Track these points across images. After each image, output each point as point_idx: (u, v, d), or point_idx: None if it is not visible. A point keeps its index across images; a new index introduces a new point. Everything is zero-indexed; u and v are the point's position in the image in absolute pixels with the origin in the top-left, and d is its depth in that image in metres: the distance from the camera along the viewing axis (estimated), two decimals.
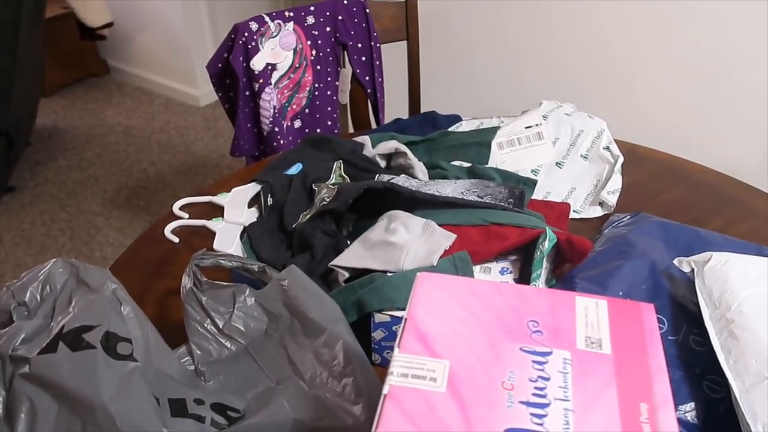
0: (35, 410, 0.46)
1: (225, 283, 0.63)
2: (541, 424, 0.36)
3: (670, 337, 0.63)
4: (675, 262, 0.66)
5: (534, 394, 0.38)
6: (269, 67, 1.25)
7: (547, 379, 0.39)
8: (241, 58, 1.22)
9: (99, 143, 2.56)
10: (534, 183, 0.89)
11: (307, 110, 1.36)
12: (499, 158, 0.95)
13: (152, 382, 0.51)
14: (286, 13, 1.27)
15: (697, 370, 0.60)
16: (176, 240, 0.86)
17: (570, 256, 0.71)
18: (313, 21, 1.30)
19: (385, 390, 0.38)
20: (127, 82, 3.01)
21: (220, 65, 1.25)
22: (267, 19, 1.24)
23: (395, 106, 1.72)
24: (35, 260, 2.00)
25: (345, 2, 1.32)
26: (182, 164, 2.42)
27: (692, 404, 0.58)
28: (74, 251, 2.02)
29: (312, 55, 1.32)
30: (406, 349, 0.41)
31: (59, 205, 2.23)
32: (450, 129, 1.02)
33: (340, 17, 1.33)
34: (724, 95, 1.56)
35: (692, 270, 0.64)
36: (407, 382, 0.39)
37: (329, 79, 1.36)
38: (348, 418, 0.52)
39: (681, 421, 0.57)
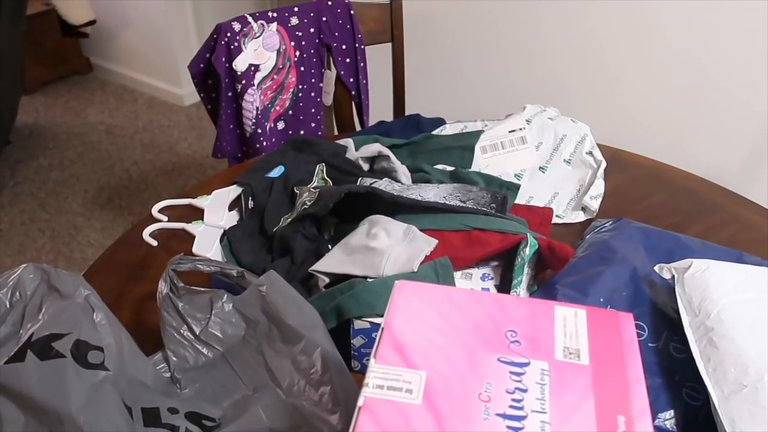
0: (1, 420, 0.45)
1: (202, 289, 0.62)
2: None
3: (650, 344, 0.63)
4: (656, 268, 0.66)
5: (511, 406, 0.37)
6: (252, 68, 1.24)
7: (525, 391, 0.38)
8: (223, 59, 1.21)
9: (81, 142, 2.53)
10: (517, 187, 0.89)
11: (290, 112, 1.35)
12: (483, 162, 0.94)
13: (125, 391, 0.50)
14: (270, 14, 1.26)
15: (677, 377, 0.60)
16: (155, 243, 0.85)
17: (551, 262, 0.71)
18: (297, 22, 1.29)
19: (360, 402, 0.37)
20: (110, 80, 2.98)
21: (202, 65, 1.23)
22: (250, 19, 1.23)
23: (379, 109, 1.72)
24: (14, 261, 1.96)
25: (329, 3, 1.31)
26: (165, 164, 2.39)
27: (671, 412, 0.58)
28: (54, 252, 1.99)
29: (296, 56, 1.31)
30: (382, 359, 0.40)
31: (39, 204, 2.20)
32: (434, 132, 1.02)
33: (324, 18, 1.32)
34: (708, 101, 1.57)
35: (672, 277, 0.64)
36: (383, 394, 0.38)
37: (313, 80, 1.35)
38: (325, 428, 0.51)
39: (660, 429, 0.57)
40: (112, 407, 0.46)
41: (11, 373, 0.46)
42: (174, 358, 0.60)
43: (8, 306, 0.52)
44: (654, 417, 0.57)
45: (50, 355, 0.47)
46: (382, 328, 0.42)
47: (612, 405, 0.38)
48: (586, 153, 0.94)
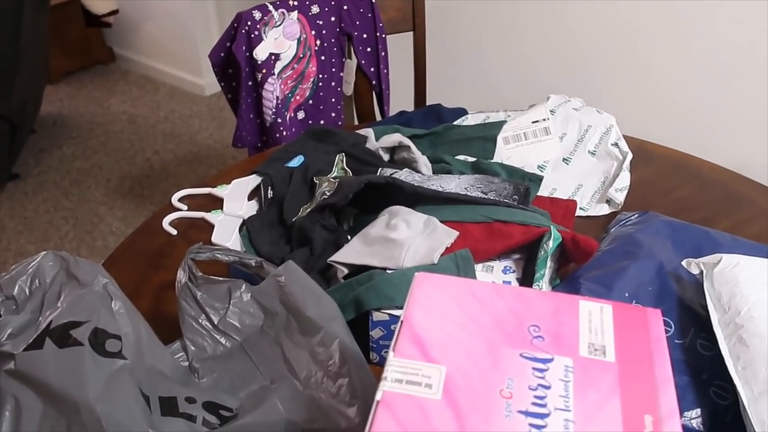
0: (20, 408, 0.45)
1: (220, 278, 0.62)
2: None
3: (676, 341, 0.61)
4: (683, 263, 0.65)
5: (533, 404, 0.36)
6: (272, 57, 1.23)
7: (548, 388, 0.37)
8: (243, 48, 1.20)
9: (103, 131, 2.55)
10: (540, 179, 0.87)
11: (310, 101, 1.34)
12: (505, 153, 0.93)
13: (142, 380, 0.50)
14: (291, 2, 1.25)
15: (704, 375, 0.58)
16: (174, 232, 0.85)
17: (575, 255, 0.69)
18: (318, 11, 1.28)
19: (378, 396, 0.37)
20: (132, 70, 3.00)
21: (222, 54, 1.23)
22: (271, 8, 1.22)
23: (400, 99, 1.70)
24: (38, 248, 1.99)
25: None
26: (186, 154, 2.40)
27: (698, 411, 0.56)
28: (77, 240, 2.02)
29: (316, 45, 1.30)
30: (401, 353, 0.39)
31: (63, 193, 2.23)
32: (455, 123, 1.00)
33: (345, 7, 1.30)
34: (737, 92, 1.53)
35: (701, 272, 0.63)
36: (401, 388, 0.37)
37: (333, 70, 1.34)
38: (342, 421, 0.50)
39: (686, 428, 0.55)
40: (130, 396, 0.46)
41: (30, 361, 0.46)
42: (192, 348, 0.60)
43: (27, 293, 0.52)
44: (680, 416, 0.56)
45: (68, 343, 0.47)
46: (402, 321, 0.41)
47: (639, 404, 0.36)
48: (612, 144, 0.92)
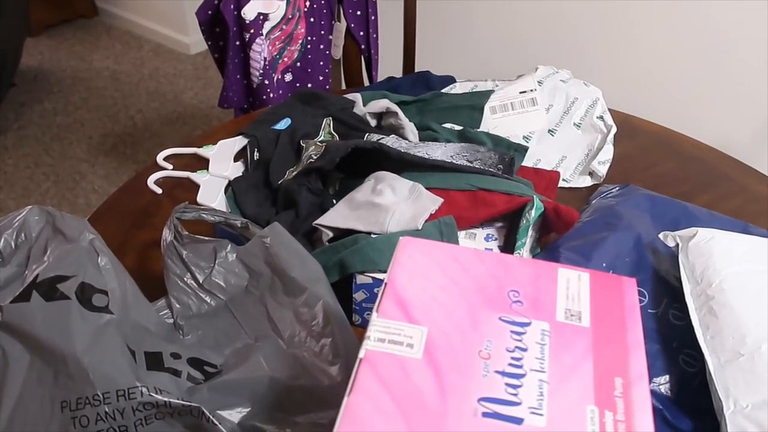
0: (7, 359, 0.46)
1: (206, 238, 0.62)
2: (515, 395, 0.36)
3: (650, 311, 0.63)
4: (660, 236, 0.66)
5: (510, 365, 0.38)
6: (261, 17, 1.22)
7: (524, 350, 0.39)
8: (231, 6, 1.18)
9: (86, 87, 2.50)
10: (525, 150, 0.88)
11: (298, 64, 1.33)
12: (491, 123, 0.93)
13: (128, 335, 0.51)
14: None
15: (674, 344, 0.61)
16: (159, 191, 0.85)
17: (556, 225, 0.70)
18: None
19: (361, 354, 0.38)
20: (116, 25, 2.93)
21: (210, 12, 1.21)
22: None
23: (389, 64, 1.69)
24: (18, 204, 1.97)
25: None
26: (170, 113, 2.37)
27: (667, 377, 0.58)
28: (58, 197, 2.00)
29: (306, 6, 1.28)
30: (384, 313, 0.40)
31: (43, 149, 2.19)
32: (443, 90, 1.00)
33: None
34: (724, 71, 1.54)
35: (677, 245, 0.64)
36: (384, 347, 0.38)
37: (322, 32, 1.33)
38: (324, 379, 0.52)
39: (654, 393, 0.58)
40: (116, 350, 0.47)
41: (17, 313, 0.46)
42: (177, 305, 0.60)
43: (13, 247, 0.52)
44: (650, 381, 0.58)
45: (55, 296, 0.47)
46: (386, 283, 0.43)
47: (610, 367, 0.38)
48: (597, 117, 0.93)
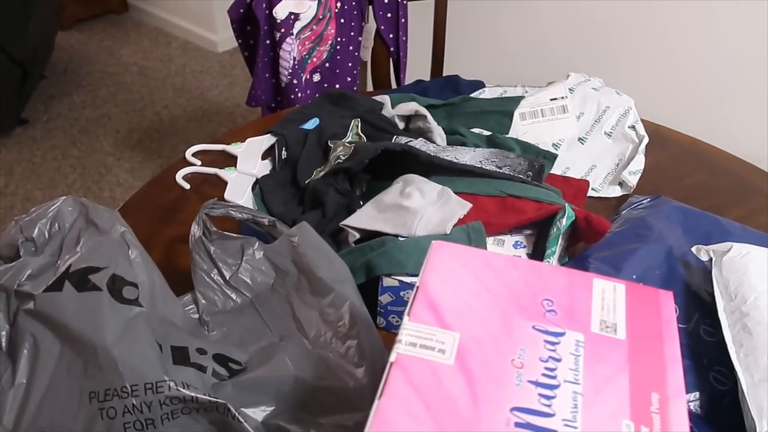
0: (38, 347, 0.46)
1: (234, 235, 0.63)
2: (548, 406, 0.35)
3: (680, 325, 0.62)
4: (693, 249, 0.65)
5: (544, 375, 0.37)
6: (292, 17, 1.22)
7: (559, 360, 0.38)
8: (263, 5, 1.19)
9: (114, 82, 2.54)
10: (554, 157, 0.87)
11: (327, 64, 1.33)
12: (521, 129, 0.92)
13: (156, 329, 0.51)
14: None
15: (705, 360, 0.59)
16: (187, 186, 0.85)
17: (586, 235, 0.69)
18: None
19: (393, 357, 0.37)
20: (145, 21, 2.96)
21: (242, 11, 1.22)
22: None
23: (417, 67, 1.69)
24: (44, 195, 2.00)
25: None
26: (196, 110, 2.39)
27: (697, 394, 0.57)
28: (84, 189, 2.02)
29: (336, 7, 1.28)
30: (417, 318, 0.40)
31: (71, 141, 2.22)
32: (472, 95, 1.00)
33: None
34: (757, 82, 1.52)
35: (710, 259, 0.63)
36: (415, 352, 0.38)
37: (352, 33, 1.33)
38: (350, 380, 0.51)
39: None
40: (145, 343, 0.47)
41: (49, 302, 0.47)
42: (203, 301, 0.60)
43: (47, 236, 0.53)
44: None
45: (87, 287, 0.47)
46: (417, 287, 0.42)
47: (647, 382, 0.37)
48: (629, 127, 0.91)
